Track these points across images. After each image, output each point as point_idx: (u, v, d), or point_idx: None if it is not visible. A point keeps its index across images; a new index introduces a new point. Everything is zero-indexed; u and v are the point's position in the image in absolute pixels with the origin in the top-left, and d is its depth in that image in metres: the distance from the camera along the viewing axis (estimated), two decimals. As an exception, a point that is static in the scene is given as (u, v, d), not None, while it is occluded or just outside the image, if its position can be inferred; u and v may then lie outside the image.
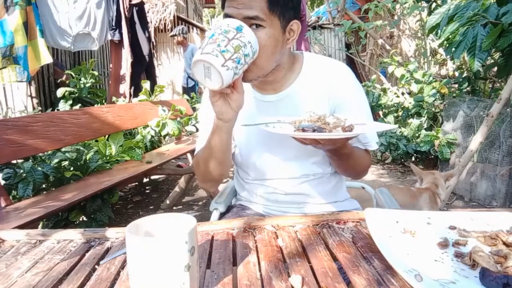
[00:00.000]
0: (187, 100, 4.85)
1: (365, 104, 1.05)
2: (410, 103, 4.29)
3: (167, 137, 3.79)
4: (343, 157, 0.95)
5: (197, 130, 3.95)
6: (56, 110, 4.31)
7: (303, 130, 0.79)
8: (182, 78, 6.88)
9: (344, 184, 1.19)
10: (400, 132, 4.04)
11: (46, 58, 3.73)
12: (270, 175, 1.07)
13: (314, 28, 7.21)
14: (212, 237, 0.79)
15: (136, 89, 4.37)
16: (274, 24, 0.88)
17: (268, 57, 0.91)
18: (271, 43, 0.89)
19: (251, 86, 1.04)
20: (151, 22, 7.38)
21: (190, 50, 6.47)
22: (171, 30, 7.55)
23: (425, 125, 4.00)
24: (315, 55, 1.09)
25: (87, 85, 4.60)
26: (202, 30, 9.75)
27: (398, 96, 4.72)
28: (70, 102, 4.36)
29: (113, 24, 4.25)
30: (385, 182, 3.79)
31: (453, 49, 2.63)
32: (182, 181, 3.27)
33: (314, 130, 0.78)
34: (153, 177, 3.86)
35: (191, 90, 6.54)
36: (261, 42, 0.86)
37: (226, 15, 0.88)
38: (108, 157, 2.84)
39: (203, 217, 2.88)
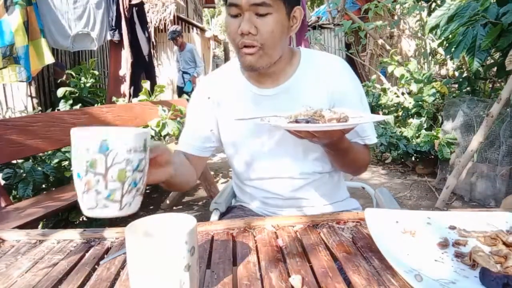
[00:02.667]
0: (187, 100, 4.84)
1: (363, 97, 1.05)
2: (410, 103, 4.29)
3: (167, 137, 3.79)
4: (341, 152, 0.94)
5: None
6: (56, 110, 4.31)
7: (297, 122, 0.78)
8: (178, 78, 6.85)
9: (344, 183, 1.18)
10: (400, 132, 4.03)
11: (49, 58, 3.73)
12: (268, 174, 1.06)
13: (314, 28, 7.22)
14: (212, 237, 0.79)
15: (136, 89, 4.37)
16: (280, 10, 0.89)
17: (275, 44, 0.92)
18: (278, 29, 0.90)
19: (248, 80, 1.04)
20: (151, 22, 7.38)
21: (189, 50, 6.47)
22: (171, 30, 7.55)
23: (425, 125, 4.00)
24: (312, 50, 1.09)
25: (87, 85, 4.60)
26: (202, 30, 9.75)
27: (398, 96, 4.72)
28: (70, 102, 4.36)
29: (113, 24, 4.25)
30: (385, 182, 3.79)
31: (453, 49, 2.63)
32: (182, 181, 3.26)
33: (307, 122, 0.77)
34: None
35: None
36: (269, 28, 0.88)
37: (231, 4, 0.89)
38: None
39: (203, 217, 2.88)
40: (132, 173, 0.66)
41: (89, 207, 0.65)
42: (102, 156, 0.63)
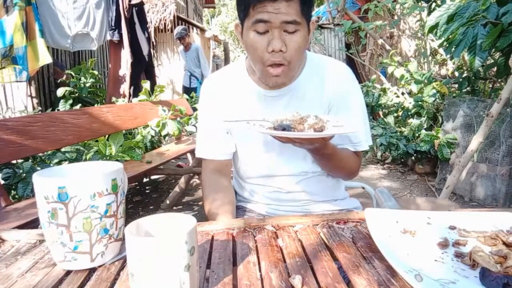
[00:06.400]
0: (187, 100, 4.84)
1: (363, 105, 1.08)
2: (410, 103, 4.29)
3: (167, 137, 3.79)
4: (325, 157, 0.97)
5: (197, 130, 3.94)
6: (56, 110, 4.30)
7: (275, 129, 0.81)
8: (183, 77, 6.85)
9: (342, 184, 1.20)
10: (400, 132, 4.04)
11: (46, 58, 3.73)
12: (270, 172, 1.08)
13: (314, 28, 7.17)
14: (212, 237, 0.79)
15: (136, 89, 4.37)
16: (304, 26, 0.92)
17: (299, 58, 0.95)
18: (303, 44, 0.92)
19: (254, 81, 1.06)
20: (151, 22, 7.37)
21: (195, 49, 6.47)
22: (171, 30, 7.52)
23: (425, 125, 4.00)
24: (317, 54, 1.13)
25: (87, 84, 4.60)
26: (202, 30, 9.75)
27: (398, 96, 4.71)
28: (70, 102, 4.36)
29: (113, 24, 4.25)
30: (385, 182, 3.79)
31: (453, 48, 2.63)
32: (182, 181, 3.26)
33: (284, 129, 0.79)
34: (153, 177, 3.86)
35: (194, 90, 6.50)
36: (296, 45, 0.90)
37: (260, 21, 0.88)
38: (108, 157, 2.84)
39: (203, 217, 2.87)
40: (100, 220, 0.61)
41: (58, 260, 0.62)
42: (62, 205, 0.59)
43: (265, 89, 1.04)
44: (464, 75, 3.86)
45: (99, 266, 0.68)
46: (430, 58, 5.37)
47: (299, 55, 0.93)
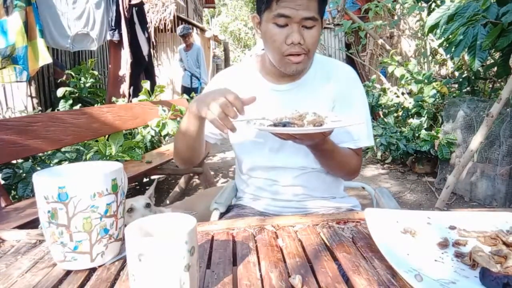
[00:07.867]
0: (187, 100, 4.84)
1: (366, 105, 1.10)
2: (410, 103, 4.29)
3: (167, 137, 3.79)
4: (325, 153, 0.99)
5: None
6: (56, 110, 4.30)
7: (275, 126, 0.82)
8: (183, 77, 6.83)
9: (341, 182, 1.20)
10: (400, 132, 4.03)
11: (46, 58, 3.72)
12: (270, 164, 1.09)
13: (314, 28, 7.17)
14: (212, 237, 0.79)
15: (136, 89, 4.37)
16: (319, 22, 0.98)
17: (315, 50, 1.02)
18: (318, 38, 1.00)
19: (264, 77, 1.10)
20: (151, 22, 7.37)
21: (196, 50, 6.48)
22: (171, 30, 7.52)
23: (425, 125, 4.00)
24: (321, 55, 1.17)
25: (87, 85, 4.61)
26: (202, 30, 9.75)
27: (398, 96, 4.71)
28: (70, 102, 4.36)
29: (113, 24, 4.25)
30: (385, 182, 3.79)
31: (453, 48, 2.63)
32: (182, 181, 3.26)
33: (284, 125, 0.81)
34: (153, 177, 3.86)
35: (195, 90, 6.48)
36: (314, 39, 0.97)
37: (281, 15, 0.93)
38: (108, 157, 2.84)
39: (203, 217, 2.87)
40: (100, 220, 0.61)
41: (58, 260, 0.62)
42: (62, 205, 0.59)
43: (275, 84, 1.08)
44: (464, 75, 3.86)
45: (99, 266, 0.68)
46: (430, 58, 5.37)
47: (315, 47, 1.00)
